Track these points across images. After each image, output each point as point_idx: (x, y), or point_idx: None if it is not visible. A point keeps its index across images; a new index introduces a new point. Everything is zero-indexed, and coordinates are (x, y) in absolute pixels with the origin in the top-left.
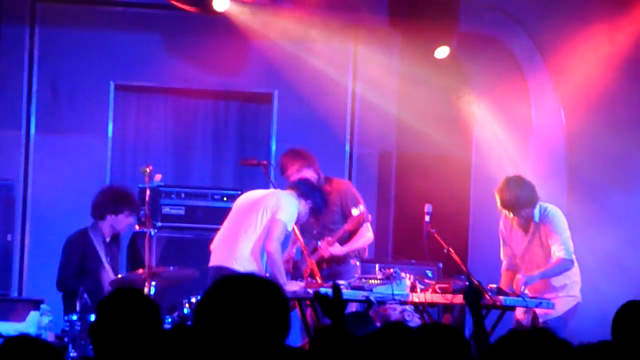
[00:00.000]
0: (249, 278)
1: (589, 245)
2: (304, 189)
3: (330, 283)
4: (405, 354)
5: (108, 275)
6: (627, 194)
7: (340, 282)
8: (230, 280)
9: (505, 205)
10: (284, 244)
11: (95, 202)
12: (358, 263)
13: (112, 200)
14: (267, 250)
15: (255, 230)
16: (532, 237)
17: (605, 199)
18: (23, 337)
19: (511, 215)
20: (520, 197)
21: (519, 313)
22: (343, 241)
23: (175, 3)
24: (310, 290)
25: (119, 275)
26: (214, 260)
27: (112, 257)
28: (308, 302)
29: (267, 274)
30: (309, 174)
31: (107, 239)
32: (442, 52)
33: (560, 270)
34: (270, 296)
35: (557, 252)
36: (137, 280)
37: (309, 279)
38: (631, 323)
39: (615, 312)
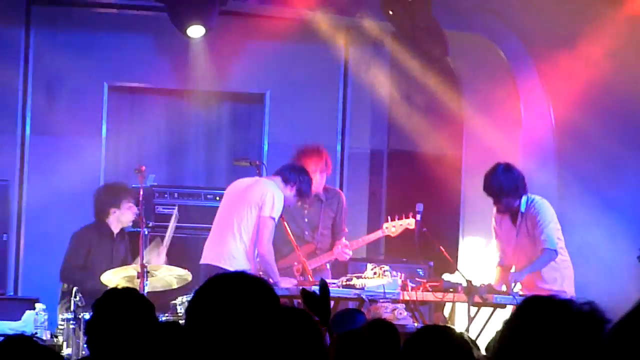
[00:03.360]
0: (240, 276)
1: (579, 239)
2: (288, 175)
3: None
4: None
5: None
6: (617, 187)
7: (332, 280)
8: (222, 278)
9: (488, 190)
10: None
11: (96, 203)
12: (328, 266)
13: (109, 195)
14: (260, 253)
15: (242, 227)
16: (520, 228)
17: (595, 194)
18: (20, 337)
19: (493, 201)
20: (503, 185)
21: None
22: (320, 252)
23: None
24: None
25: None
26: (204, 258)
27: (118, 254)
28: (300, 300)
29: (260, 273)
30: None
31: (115, 233)
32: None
33: (545, 261)
34: (261, 294)
35: (541, 243)
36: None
37: (300, 277)
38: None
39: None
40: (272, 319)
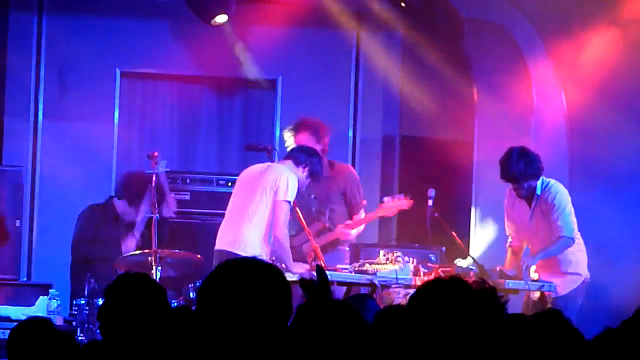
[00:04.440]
0: (251, 262)
1: (590, 227)
2: (299, 156)
3: (334, 266)
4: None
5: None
6: (629, 174)
7: (344, 266)
8: (232, 263)
9: (508, 177)
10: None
11: (117, 183)
12: (347, 248)
13: (127, 186)
14: (275, 236)
15: (257, 213)
16: (534, 210)
17: (608, 181)
18: (37, 320)
19: (514, 186)
20: (523, 170)
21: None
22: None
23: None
24: (315, 273)
25: (124, 255)
26: (218, 244)
27: (122, 235)
28: None
29: (273, 258)
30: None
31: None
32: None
33: (561, 248)
34: (272, 280)
35: (558, 230)
36: (141, 260)
37: (313, 262)
38: None
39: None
40: (283, 305)
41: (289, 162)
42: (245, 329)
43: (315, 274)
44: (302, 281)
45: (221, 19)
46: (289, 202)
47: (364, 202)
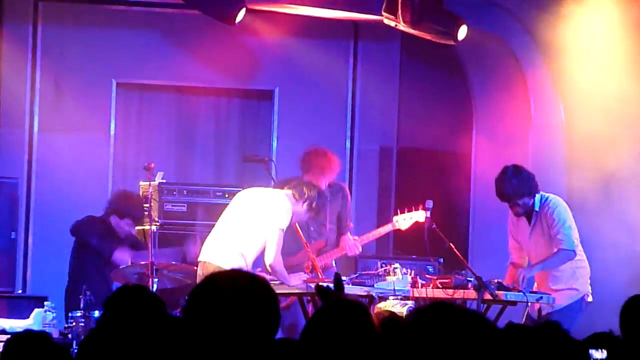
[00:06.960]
0: (237, 274)
1: (589, 239)
2: (300, 191)
3: (332, 278)
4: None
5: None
6: (627, 189)
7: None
8: (218, 276)
9: (502, 194)
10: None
11: (110, 200)
12: (334, 263)
13: (121, 202)
14: (269, 265)
15: (245, 231)
16: (534, 227)
17: (605, 195)
18: (29, 333)
19: (509, 205)
20: (516, 187)
21: (531, 306)
22: (329, 247)
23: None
24: (312, 285)
25: (122, 267)
26: (202, 256)
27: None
28: (309, 298)
29: (259, 269)
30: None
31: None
32: (462, 32)
33: (560, 261)
34: (258, 292)
35: (558, 243)
36: (138, 272)
37: (310, 274)
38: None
39: (622, 307)
40: (269, 316)
41: (289, 193)
42: (232, 341)
43: (317, 284)
44: (319, 287)
45: (241, 14)
46: (283, 230)
47: (351, 224)
